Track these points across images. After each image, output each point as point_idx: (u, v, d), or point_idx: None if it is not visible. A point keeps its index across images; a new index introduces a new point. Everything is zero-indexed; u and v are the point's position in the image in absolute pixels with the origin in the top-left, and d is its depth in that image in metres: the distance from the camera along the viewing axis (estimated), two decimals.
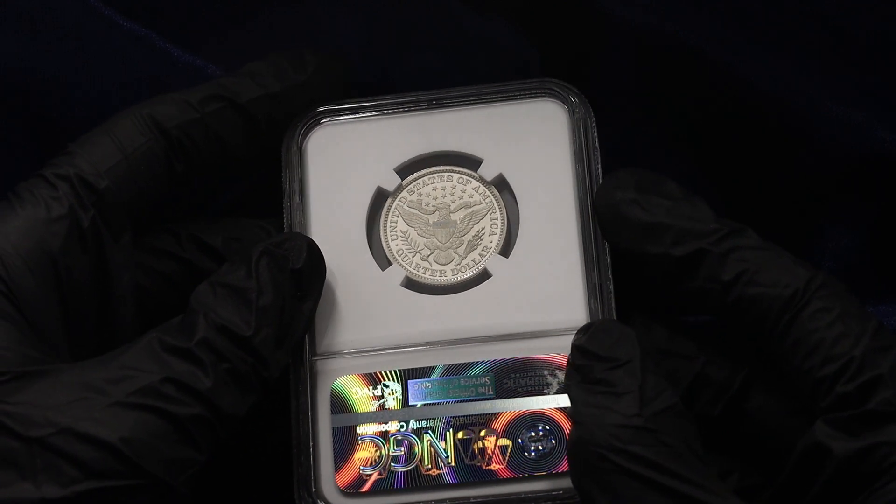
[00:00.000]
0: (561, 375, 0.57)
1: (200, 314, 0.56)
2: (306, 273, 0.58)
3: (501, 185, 0.62)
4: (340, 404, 0.59)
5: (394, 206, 0.63)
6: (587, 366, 0.54)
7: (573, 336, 0.56)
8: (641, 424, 0.52)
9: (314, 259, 0.59)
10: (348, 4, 0.69)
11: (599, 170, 0.61)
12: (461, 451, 0.57)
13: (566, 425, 0.57)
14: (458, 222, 0.62)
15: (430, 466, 0.57)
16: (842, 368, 0.53)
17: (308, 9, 0.70)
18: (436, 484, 0.57)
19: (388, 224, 0.62)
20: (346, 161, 0.63)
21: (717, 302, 0.56)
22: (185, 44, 0.69)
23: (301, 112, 0.63)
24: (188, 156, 0.61)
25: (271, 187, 0.64)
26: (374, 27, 0.69)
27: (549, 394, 0.58)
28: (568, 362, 0.55)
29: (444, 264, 0.61)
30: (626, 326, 0.55)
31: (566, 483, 0.56)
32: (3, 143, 0.71)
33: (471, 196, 0.62)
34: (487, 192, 0.62)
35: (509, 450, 0.57)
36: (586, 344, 0.55)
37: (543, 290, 0.59)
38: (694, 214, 0.57)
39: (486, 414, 0.58)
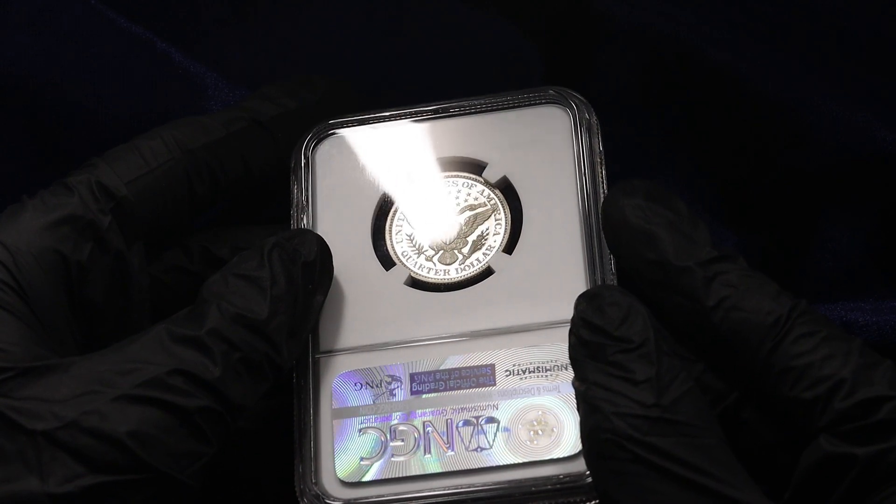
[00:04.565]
0: (562, 362, 0.57)
1: (213, 304, 0.56)
2: (316, 267, 0.59)
3: (506, 188, 0.63)
4: (342, 398, 0.59)
5: (400, 211, 0.63)
6: (598, 344, 0.53)
7: (575, 300, 0.55)
8: (660, 415, 0.52)
9: (324, 254, 0.59)
10: (347, 5, 0.70)
11: (604, 173, 0.61)
12: (463, 440, 0.58)
13: (567, 413, 0.57)
14: (463, 224, 0.62)
15: (431, 456, 0.58)
16: (835, 387, 0.52)
17: (307, 10, 0.70)
18: (437, 473, 0.57)
19: (394, 227, 0.63)
20: (353, 169, 0.64)
21: (699, 324, 0.56)
22: (186, 46, 0.70)
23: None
24: (213, 176, 0.62)
25: (279, 194, 0.64)
26: (373, 28, 0.70)
27: (550, 382, 0.58)
28: (571, 331, 0.55)
29: (448, 264, 0.62)
30: (633, 297, 0.55)
31: (568, 469, 0.56)
32: (3, 144, 0.71)
33: (476, 199, 0.63)
34: (492, 195, 0.63)
35: (510, 437, 0.57)
36: (594, 318, 0.54)
37: (547, 285, 0.60)
38: (692, 234, 0.57)
39: (487, 403, 0.58)
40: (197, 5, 0.71)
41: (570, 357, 0.54)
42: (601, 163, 0.62)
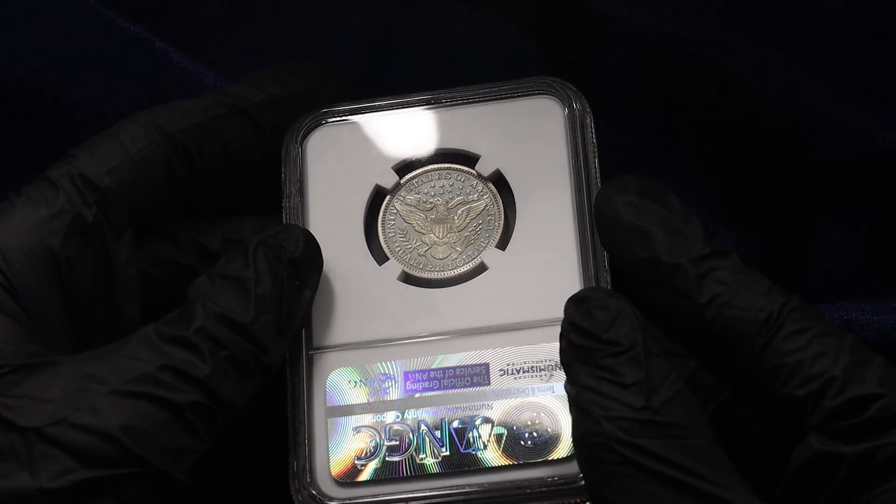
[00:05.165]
0: (556, 361, 0.57)
1: (199, 304, 0.56)
2: (303, 263, 0.59)
3: (499, 181, 0.63)
4: (336, 396, 0.59)
5: (392, 204, 0.63)
6: (588, 348, 0.54)
7: (565, 304, 0.55)
8: (650, 418, 0.52)
9: (311, 249, 0.59)
10: (347, 5, 0.70)
11: (597, 165, 0.61)
12: (456, 440, 0.57)
13: (562, 414, 0.57)
14: (456, 218, 0.62)
15: (425, 456, 0.57)
16: (825, 384, 0.52)
17: (307, 10, 0.70)
18: (431, 473, 0.57)
19: (386, 221, 0.63)
20: (345, 160, 0.64)
21: (691, 322, 0.56)
22: (185, 46, 0.70)
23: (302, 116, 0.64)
24: (191, 160, 0.61)
25: (270, 186, 0.64)
26: (373, 27, 0.70)
27: (544, 382, 0.58)
28: (562, 335, 0.55)
29: (441, 259, 0.61)
30: (622, 298, 0.54)
31: (562, 470, 0.56)
32: (2, 144, 0.71)
33: (468, 192, 0.63)
34: (485, 188, 0.63)
35: (505, 438, 0.57)
36: (583, 322, 0.54)
37: (540, 282, 0.60)
38: (685, 230, 0.57)
39: (481, 403, 0.58)
40: (196, 5, 0.71)
41: (562, 361, 0.55)
42: (595, 154, 0.61)
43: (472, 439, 0.57)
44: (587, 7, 0.67)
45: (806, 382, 0.53)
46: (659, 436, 0.51)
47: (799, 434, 0.53)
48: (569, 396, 0.54)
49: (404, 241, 0.62)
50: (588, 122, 0.62)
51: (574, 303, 0.55)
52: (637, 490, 0.51)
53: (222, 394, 0.55)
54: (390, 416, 0.58)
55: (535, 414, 0.57)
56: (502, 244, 0.61)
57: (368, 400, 0.59)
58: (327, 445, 0.58)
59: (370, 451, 0.58)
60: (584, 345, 0.54)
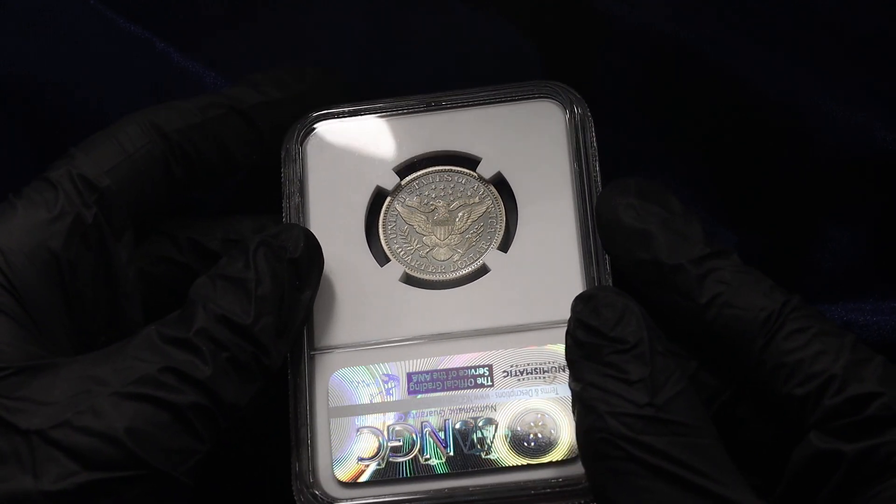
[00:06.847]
0: (560, 363, 0.57)
1: (199, 305, 0.56)
2: (304, 263, 0.59)
3: (500, 183, 0.63)
4: (339, 397, 0.59)
5: (393, 206, 0.63)
6: (594, 345, 0.54)
7: (572, 302, 0.55)
8: (653, 415, 0.52)
9: (311, 249, 0.59)
10: (347, 5, 0.70)
11: (597, 168, 0.61)
12: (460, 441, 0.58)
13: (565, 414, 0.57)
14: (457, 220, 0.62)
15: (428, 457, 0.57)
16: (825, 383, 0.53)
17: (307, 10, 0.70)
18: (434, 474, 0.57)
19: (387, 222, 0.63)
20: (346, 161, 0.64)
21: (693, 322, 0.56)
22: (185, 46, 0.70)
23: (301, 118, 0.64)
24: (189, 161, 0.61)
25: (269, 186, 0.64)
26: (373, 27, 0.70)
27: (547, 384, 0.58)
28: (568, 332, 0.55)
29: (442, 261, 0.61)
30: (629, 297, 0.55)
31: (564, 471, 0.56)
32: (2, 144, 0.71)
33: (469, 194, 0.63)
34: (486, 190, 0.63)
35: (508, 439, 0.57)
36: (590, 319, 0.54)
37: (542, 284, 0.60)
38: (686, 231, 0.57)
39: (484, 404, 0.58)
40: (196, 5, 0.71)
41: (567, 358, 0.55)
42: (595, 158, 0.61)
43: (475, 440, 0.58)
44: (587, 7, 0.67)
45: (806, 381, 0.53)
46: (663, 433, 0.52)
47: (799, 433, 0.53)
48: (573, 393, 0.54)
49: (405, 243, 0.62)
50: (589, 125, 0.62)
51: (581, 300, 0.55)
52: (640, 486, 0.51)
53: (223, 395, 0.55)
54: (393, 417, 0.58)
55: (538, 415, 0.58)
56: (504, 246, 0.61)
57: (371, 401, 0.59)
58: (330, 446, 0.58)
59: (373, 451, 0.58)
60: (590, 342, 0.54)
